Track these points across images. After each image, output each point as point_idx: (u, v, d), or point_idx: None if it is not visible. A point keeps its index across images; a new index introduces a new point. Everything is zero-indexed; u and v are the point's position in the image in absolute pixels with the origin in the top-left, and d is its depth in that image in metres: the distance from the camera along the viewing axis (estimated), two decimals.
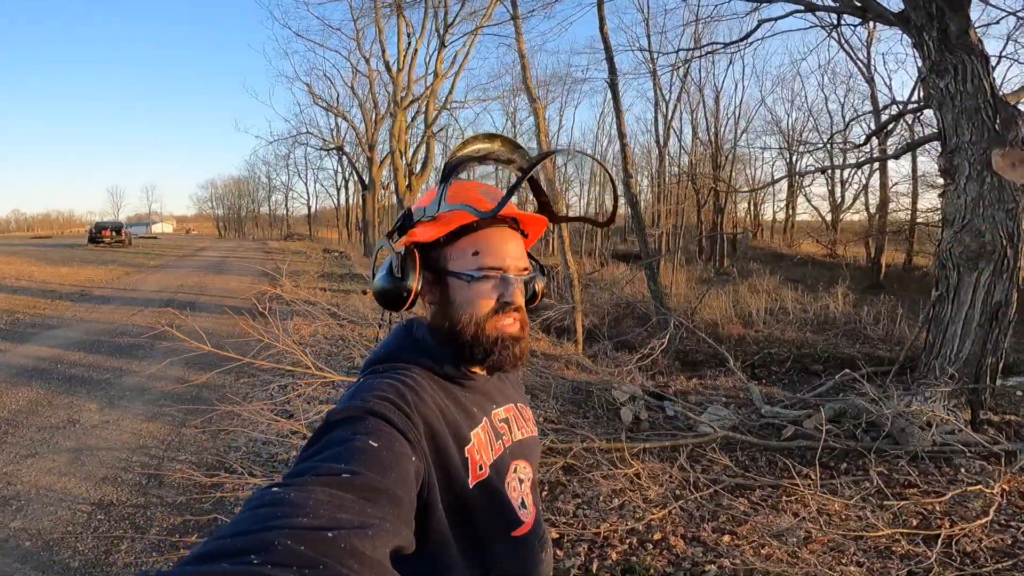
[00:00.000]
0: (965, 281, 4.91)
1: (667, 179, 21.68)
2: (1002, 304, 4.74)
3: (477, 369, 0.82)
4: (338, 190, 35.32)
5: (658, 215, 21.28)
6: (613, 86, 9.22)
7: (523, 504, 0.83)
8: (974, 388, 4.66)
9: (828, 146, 15.06)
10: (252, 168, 54.29)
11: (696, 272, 16.08)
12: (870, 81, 17.17)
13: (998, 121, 4.13)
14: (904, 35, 4.94)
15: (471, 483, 0.74)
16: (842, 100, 25.58)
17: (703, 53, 10.97)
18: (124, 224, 27.20)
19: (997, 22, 11.25)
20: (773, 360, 8.52)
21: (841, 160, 14.66)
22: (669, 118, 20.07)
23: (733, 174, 20.71)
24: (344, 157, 25.90)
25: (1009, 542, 2.60)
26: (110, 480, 3.39)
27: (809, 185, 22.63)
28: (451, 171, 0.80)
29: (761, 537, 2.60)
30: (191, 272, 15.39)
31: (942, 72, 4.17)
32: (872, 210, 18.41)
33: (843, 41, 17.11)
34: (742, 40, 7.57)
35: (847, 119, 19.19)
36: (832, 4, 6.11)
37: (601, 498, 2.97)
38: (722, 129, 21.85)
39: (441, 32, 15.32)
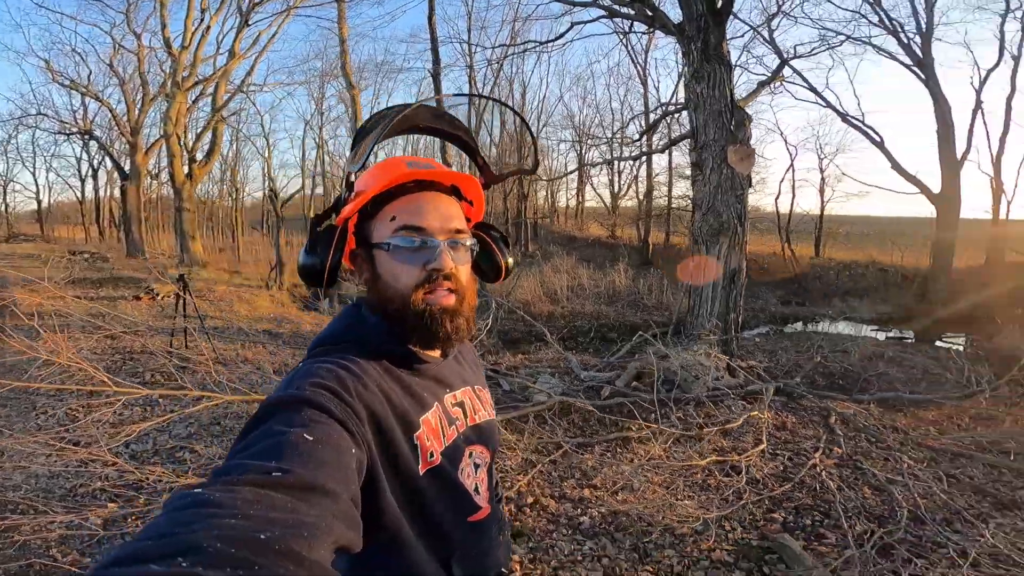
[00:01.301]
0: (711, 252, 6.29)
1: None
2: (737, 271, 6.18)
3: (428, 351, 0.78)
4: (82, 181, 28.63)
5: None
6: (436, 77, 9.40)
7: (478, 489, 0.81)
8: (724, 339, 6.05)
9: (611, 141, 17.56)
10: None
11: None
12: (644, 84, 20.37)
13: (733, 123, 5.38)
14: (677, 44, 6.02)
15: (421, 470, 0.71)
16: (622, 100, 29.88)
17: (524, 49, 11.84)
18: None
19: (742, 35, 14.44)
20: (579, 332, 9.71)
21: (619, 153, 17.23)
22: (481, 110, 21.03)
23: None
24: (92, 143, 21.19)
25: (781, 468, 3.33)
26: None
27: (596, 175, 26.14)
28: (355, 143, 0.77)
29: (613, 485, 2.99)
30: None
31: (700, 79, 5.20)
32: (641, 197, 21.91)
33: (630, 47, 20.05)
34: (556, 40, 8.41)
35: (625, 117, 22.64)
36: (630, 12, 7.14)
37: None
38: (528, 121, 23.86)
39: (245, 9, 13.60)
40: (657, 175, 21.54)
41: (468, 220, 0.82)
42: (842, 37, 14.29)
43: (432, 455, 0.73)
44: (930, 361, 7.53)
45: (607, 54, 51.47)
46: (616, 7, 7.27)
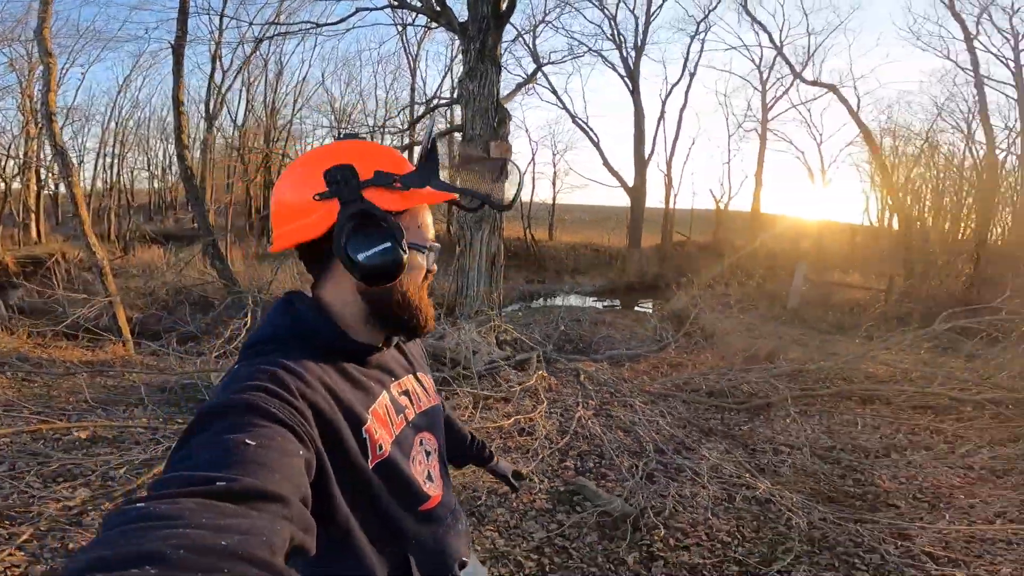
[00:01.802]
0: (475, 237, 6.77)
1: (214, 153, 19.39)
2: (496, 253, 6.81)
3: (377, 341, 0.78)
4: None
5: (202, 190, 18.89)
6: (179, 51, 7.65)
7: (430, 477, 0.82)
8: (491, 316, 6.61)
9: (375, 130, 17.03)
10: None
11: (251, 248, 15.34)
12: (414, 75, 20.22)
13: (496, 119, 5.85)
14: (455, 41, 6.16)
15: (371, 464, 0.70)
16: (388, 88, 28.89)
17: (300, 30, 10.37)
18: None
19: (511, 40, 15.35)
20: None
21: (382, 142, 16.86)
22: (225, 90, 17.90)
23: (287, 150, 20.47)
24: None
25: (558, 423, 3.79)
26: None
27: None
28: (436, 151, 0.76)
29: None
30: None
31: (473, 77, 5.48)
32: None
33: (405, 39, 19.45)
34: (337, 23, 7.67)
35: (391, 106, 22.06)
36: (418, 5, 6.96)
37: None
38: (279, 104, 21.20)
39: None
40: None
41: None
42: (585, 48, 16.77)
43: (381, 447, 0.72)
44: (634, 323, 9.61)
45: (383, 43, 48.01)
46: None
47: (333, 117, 22.41)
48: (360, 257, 0.67)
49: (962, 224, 17.84)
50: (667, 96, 19.85)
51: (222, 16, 14.74)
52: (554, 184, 23.27)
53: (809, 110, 28.94)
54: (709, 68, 34.04)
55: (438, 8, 6.54)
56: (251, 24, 14.56)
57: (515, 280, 15.49)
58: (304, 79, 24.45)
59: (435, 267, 0.80)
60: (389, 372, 0.81)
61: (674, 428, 3.79)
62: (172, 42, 8.07)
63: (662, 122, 19.48)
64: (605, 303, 14.30)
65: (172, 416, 3.60)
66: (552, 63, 17.16)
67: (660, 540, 2.40)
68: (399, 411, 0.79)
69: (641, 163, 17.67)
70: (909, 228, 14.45)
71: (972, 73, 13.35)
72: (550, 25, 16.12)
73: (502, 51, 6.00)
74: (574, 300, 14.63)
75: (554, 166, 23.28)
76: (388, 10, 7.69)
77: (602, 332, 8.69)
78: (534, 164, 27.05)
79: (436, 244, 0.79)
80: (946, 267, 13.09)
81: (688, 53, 19.83)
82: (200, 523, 0.41)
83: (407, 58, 21.83)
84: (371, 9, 7.75)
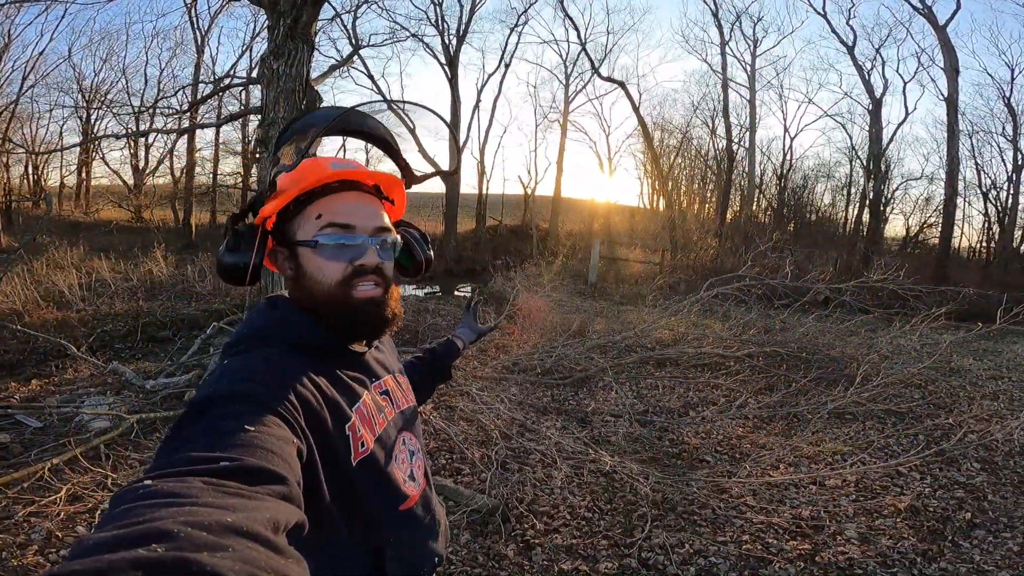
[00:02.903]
0: None
1: None
2: None
3: (354, 342, 0.80)
4: None
5: None
6: None
7: (412, 476, 0.82)
8: None
9: (145, 111, 13.88)
10: None
11: None
12: (200, 52, 16.79)
13: (305, 102, 5.19)
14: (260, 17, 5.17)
15: (354, 460, 0.71)
16: (163, 66, 23.55)
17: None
18: None
19: (327, 19, 13.51)
20: (112, 337, 7.58)
21: (149, 125, 13.82)
22: None
23: (9, 132, 15.55)
24: None
25: None
26: None
27: (115, 150, 20.08)
28: (282, 143, 0.79)
29: None
30: None
31: (279, 55, 4.74)
32: (178, 174, 18.57)
33: (195, 12, 15.84)
34: None
35: (166, 85, 18.19)
36: None
37: (56, 536, 2.24)
38: (2, 82, 15.97)
39: None
40: (200, 150, 18.62)
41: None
42: (407, 33, 15.92)
43: (363, 444, 0.73)
44: (456, 309, 9.73)
45: (163, 15, 37.29)
46: None
47: (80, 96, 17.79)
48: (217, 261, 0.79)
49: (707, 206, 22.07)
50: (483, 85, 20.39)
51: None
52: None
53: (601, 103, 32.49)
54: (523, 60, 35.85)
55: None
56: None
57: None
58: (42, 53, 18.84)
59: (371, 260, 0.75)
60: (370, 372, 0.82)
61: (513, 411, 3.91)
62: None
63: (477, 111, 19.90)
64: (425, 290, 14.20)
65: None
66: (372, 46, 16.13)
67: (531, 528, 2.44)
68: (380, 410, 0.80)
69: (456, 150, 17.87)
70: (672, 209, 17.33)
71: (721, 75, 16.43)
72: (375, 5, 15.00)
73: (317, 30, 5.37)
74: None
75: (367, 152, 22.14)
76: None
77: (427, 320, 8.59)
78: (344, 151, 25.41)
79: (338, 234, 0.73)
80: (699, 242, 16.00)
81: (506, 45, 20.46)
82: (206, 501, 0.41)
83: (194, 33, 18.27)
84: None
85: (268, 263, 0.80)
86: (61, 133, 20.33)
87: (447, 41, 17.64)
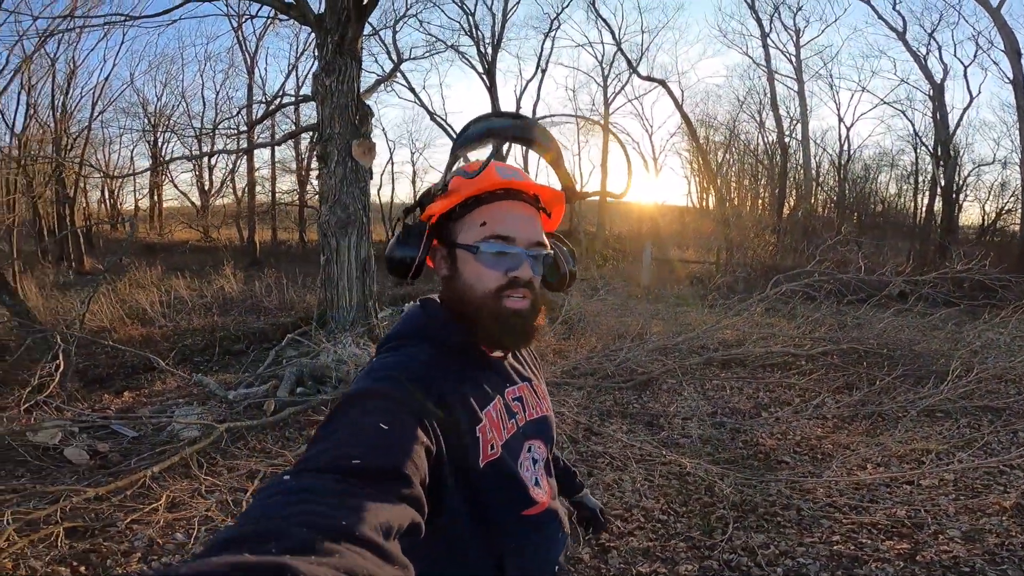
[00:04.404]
0: (341, 245, 6.28)
1: None
2: (367, 259, 6.41)
3: (495, 348, 0.81)
4: None
5: None
6: None
7: (537, 483, 0.81)
8: (368, 325, 6.19)
9: (204, 133, 14.84)
10: None
11: (49, 277, 12.56)
12: (251, 74, 17.91)
13: (358, 117, 5.41)
14: (311, 36, 5.50)
15: (482, 462, 0.72)
16: (219, 89, 25.23)
17: (107, 23, 8.31)
18: None
19: (368, 35, 14.11)
20: (192, 351, 8.09)
21: (212, 146, 14.81)
22: None
23: (84, 158, 16.88)
24: None
25: None
26: None
27: (182, 172, 21.56)
28: (458, 146, 0.79)
29: None
30: None
31: (330, 71, 4.97)
32: (240, 193, 19.59)
33: (241, 34, 16.98)
34: (160, 15, 6.30)
35: (222, 107, 19.38)
36: None
37: (157, 543, 2.34)
38: (73, 108, 17.32)
39: None
40: (259, 169, 19.67)
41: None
42: (445, 45, 16.39)
43: (493, 447, 0.74)
44: None
45: (215, 39, 40.66)
46: None
47: (147, 120, 19.17)
48: (386, 254, 0.81)
49: (760, 202, 21.24)
50: (522, 92, 20.58)
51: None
52: (414, 183, 22.75)
53: (642, 103, 31.95)
54: (559, 65, 35.94)
55: (290, 1, 5.85)
56: (36, 19, 11.71)
57: (383, 284, 14.88)
58: (107, 79, 20.47)
59: (525, 274, 0.76)
60: (505, 377, 0.83)
61: (577, 415, 3.88)
62: None
63: None
64: None
65: None
66: (413, 59, 16.66)
67: (606, 531, 2.41)
68: (511, 416, 0.80)
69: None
70: (723, 207, 16.78)
71: (765, 68, 15.85)
72: (415, 19, 15.51)
73: (363, 45, 5.58)
74: None
75: (413, 165, 22.75)
76: (220, 3, 6.69)
77: None
78: (392, 164, 26.21)
79: (499, 245, 0.75)
80: (756, 239, 15.43)
81: (541, 50, 20.66)
82: (331, 501, 0.45)
83: (244, 55, 19.43)
84: (204, 1, 6.60)
85: (428, 260, 0.82)
86: (132, 157, 21.76)
87: (483, 50, 17.89)
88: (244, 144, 12.58)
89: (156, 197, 22.26)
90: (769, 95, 16.35)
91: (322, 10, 4.98)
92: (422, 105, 18.35)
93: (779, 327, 6.54)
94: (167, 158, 17.81)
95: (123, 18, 7.72)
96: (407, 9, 14.79)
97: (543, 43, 20.23)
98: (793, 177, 19.08)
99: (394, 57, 15.95)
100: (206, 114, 19.65)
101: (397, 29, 15.60)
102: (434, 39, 17.08)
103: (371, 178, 6.19)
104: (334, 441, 0.55)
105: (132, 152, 22.24)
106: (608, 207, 22.21)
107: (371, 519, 0.44)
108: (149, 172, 19.92)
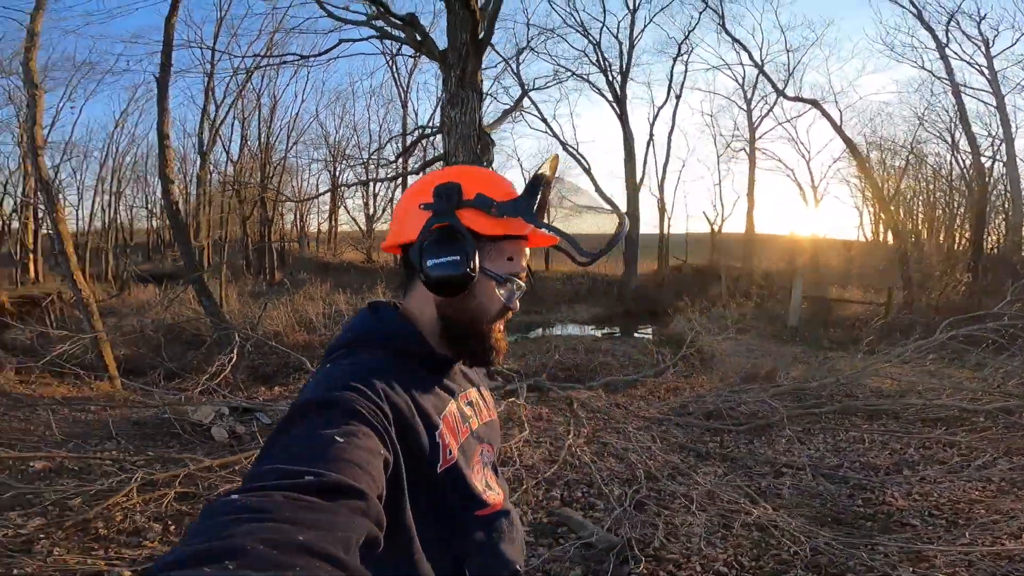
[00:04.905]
0: None
1: (209, 188, 19.54)
2: None
3: (456, 360, 0.83)
4: None
5: (197, 226, 18.97)
6: (163, 83, 7.76)
7: (488, 486, 0.84)
8: None
9: (367, 161, 17.21)
10: None
11: (247, 286, 15.28)
12: (405, 106, 20.57)
13: (480, 146, 5.81)
14: (439, 70, 6.24)
15: (440, 468, 0.72)
16: (381, 121, 29.08)
17: (283, 62, 10.64)
18: None
19: (494, 66, 15.54)
20: None
21: (375, 174, 17.06)
22: (219, 124, 18.16)
23: (281, 185, 20.55)
24: None
25: (547, 452, 3.58)
26: None
27: (351, 198, 25.07)
28: (538, 185, 0.78)
29: None
30: None
31: (455, 104, 5.48)
32: None
33: (395, 69, 19.81)
34: (321, 55, 7.82)
35: (383, 138, 22.42)
36: (400, 35, 7.08)
37: None
38: (274, 139, 21.47)
39: None
40: None
41: None
42: (569, 73, 17.04)
43: (450, 452, 0.74)
44: (632, 349, 9.44)
45: (372, 73, 47.85)
46: (387, 29, 7.26)
47: (328, 152, 22.63)
48: (429, 263, 0.72)
49: (956, 234, 17.82)
50: (654, 119, 20.12)
51: (213, 49, 15.03)
52: (548, 214, 23.35)
53: (795, 127, 29.22)
54: (694, 89, 34.51)
55: (420, 38, 6.64)
56: (243, 57, 14.82)
57: None
58: (298, 114, 24.75)
59: (517, 306, 0.80)
60: (458, 383, 0.84)
61: (668, 453, 3.62)
62: (156, 74, 8.11)
63: (651, 146, 19.64)
64: (604, 331, 14.13)
65: (143, 449, 3.47)
66: (537, 88, 17.36)
67: (648, 573, 2.22)
68: (464, 420, 0.82)
69: (633, 188, 17.75)
70: (903, 240, 14.41)
71: (948, 82, 13.52)
72: (533, 51, 16.29)
73: (483, 78, 6.04)
74: (573, 329, 14.45)
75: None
76: (375, 41, 7.85)
77: (598, 359, 8.51)
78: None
79: (519, 282, 0.80)
80: (944, 277, 12.96)
81: (672, 75, 20.09)
82: (284, 517, 0.44)
83: (398, 89, 22.19)
84: (354, 40, 7.87)
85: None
86: (317, 185, 25.67)
87: (611, 78, 17.81)
88: (392, 172, 14.11)
89: (333, 221, 25.92)
90: (958, 111, 13.83)
91: (445, 46, 5.50)
92: (554, 135, 18.85)
93: (955, 378, 5.41)
94: (338, 185, 20.80)
95: (296, 57, 9.34)
96: (528, 41, 15.42)
97: (672, 67, 19.54)
98: (998, 204, 15.77)
99: (521, 88, 16.67)
100: (371, 145, 22.58)
101: (521, 60, 16.30)
102: (561, 68, 17.50)
103: None
104: (286, 456, 0.53)
105: (317, 180, 26.31)
106: (757, 240, 20.46)
107: (329, 534, 0.44)
108: (328, 196, 23.31)
